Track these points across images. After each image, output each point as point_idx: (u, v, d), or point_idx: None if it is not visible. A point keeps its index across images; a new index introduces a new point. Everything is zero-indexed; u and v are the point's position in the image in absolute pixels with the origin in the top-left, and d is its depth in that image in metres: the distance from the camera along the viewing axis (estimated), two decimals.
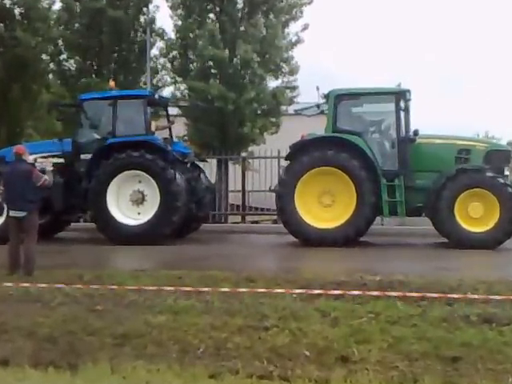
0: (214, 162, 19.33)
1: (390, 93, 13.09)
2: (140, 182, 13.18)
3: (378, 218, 15.10)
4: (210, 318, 5.93)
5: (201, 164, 15.35)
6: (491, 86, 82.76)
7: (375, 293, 6.82)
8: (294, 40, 20.61)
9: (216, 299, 6.64)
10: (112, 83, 14.43)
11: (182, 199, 12.99)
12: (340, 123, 12.98)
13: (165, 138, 14.14)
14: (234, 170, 19.78)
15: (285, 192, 12.73)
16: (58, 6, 21.26)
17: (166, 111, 15.51)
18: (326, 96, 13.44)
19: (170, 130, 15.06)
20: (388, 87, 13.58)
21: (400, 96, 12.87)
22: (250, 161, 19.60)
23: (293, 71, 20.55)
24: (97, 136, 13.82)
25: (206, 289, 7.12)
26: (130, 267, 9.45)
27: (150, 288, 7.20)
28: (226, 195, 19.25)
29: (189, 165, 14.22)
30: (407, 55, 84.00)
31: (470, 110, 79.30)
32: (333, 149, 12.52)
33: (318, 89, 13.70)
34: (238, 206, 20.12)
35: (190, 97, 20.02)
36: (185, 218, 13.36)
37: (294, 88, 20.67)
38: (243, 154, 20.22)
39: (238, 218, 19.42)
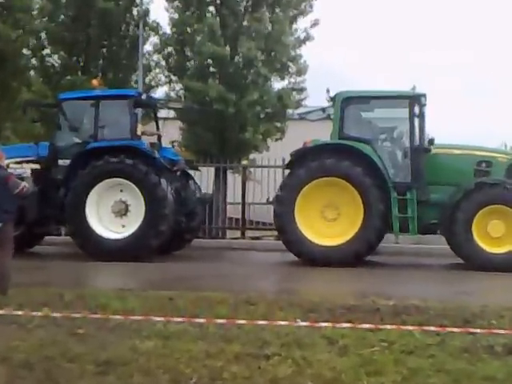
0: (211, 170, 19.36)
1: (404, 97, 13.08)
2: (122, 191, 13.11)
3: (392, 237, 15.11)
4: (205, 344, 5.90)
5: (194, 173, 15.34)
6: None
7: (390, 326, 6.70)
8: (302, 37, 20.66)
9: (211, 324, 6.62)
10: (95, 81, 14.43)
11: (170, 206, 12.90)
12: (347, 129, 12.99)
13: (152, 143, 14.08)
14: (234, 180, 19.77)
15: (284, 198, 12.70)
16: None
17: (155, 114, 15.50)
18: (333, 99, 13.46)
19: (158, 136, 15.01)
20: (402, 90, 13.56)
21: (415, 101, 12.86)
22: (252, 170, 19.61)
23: (301, 71, 20.58)
24: (77, 140, 13.79)
25: (202, 320, 7.08)
26: (114, 286, 9.43)
27: (138, 315, 7.16)
28: (224, 207, 19.27)
29: (179, 173, 14.14)
30: (428, 56, 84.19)
31: (496, 117, 79.27)
32: (338, 157, 12.51)
33: (328, 91, 13.73)
34: (237, 219, 20.11)
35: (185, 98, 20.05)
36: (173, 231, 13.30)
37: (301, 90, 20.70)
38: (244, 163, 20.20)
39: (238, 234, 19.41)
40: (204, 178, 18.10)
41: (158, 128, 15.11)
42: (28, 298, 7.99)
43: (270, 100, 19.84)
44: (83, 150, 13.24)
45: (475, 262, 12.10)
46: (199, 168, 16.81)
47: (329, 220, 12.78)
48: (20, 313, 7.24)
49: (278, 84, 20.84)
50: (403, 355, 5.64)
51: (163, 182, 12.90)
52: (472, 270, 11.87)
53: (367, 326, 6.68)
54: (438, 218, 12.62)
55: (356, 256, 12.41)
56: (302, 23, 20.86)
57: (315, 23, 20.55)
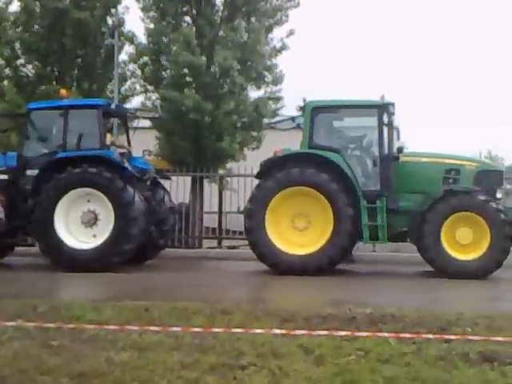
0: (188, 179, 19.31)
1: (373, 106, 13.17)
2: (89, 200, 13.02)
3: (370, 245, 15.20)
4: (180, 355, 5.86)
5: (169, 182, 15.29)
6: (498, 101, 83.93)
7: (365, 333, 6.74)
8: (278, 46, 20.74)
9: (187, 334, 6.58)
10: (63, 91, 14.32)
11: (138, 209, 12.86)
12: (317, 138, 13.07)
13: (122, 153, 14.02)
14: (210, 189, 19.75)
15: (254, 211, 12.72)
16: (15, 5, 21.21)
17: (125, 123, 15.45)
18: (302, 108, 13.53)
19: (128, 142, 14.95)
20: (370, 100, 13.62)
21: (383, 110, 12.96)
22: (228, 179, 19.60)
23: (277, 80, 20.62)
24: (45, 150, 13.67)
25: (177, 329, 7.04)
26: (88, 297, 9.38)
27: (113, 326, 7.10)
28: (200, 217, 19.22)
29: (149, 182, 14.07)
30: (406, 64, 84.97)
31: (473, 127, 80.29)
32: (306, 166, 12.55)
33: (304, 100, 13.80)
34: (213, 229, 20.09)
35: (162, 107, 20.01)
36: (145, 240, 13.27)
37: (277, 99, 20.72)
38: (220, 172, 20.22)
39: (214, 243, 19.38)
40: (180, 188, 18.06)
41: (128, 137, 15.05)
42: (0, 310, 7.90)
43: (247, 109, 19.85)
44: (51, 160, 13.14)
45: (444, 268, 12.25)
46: (171, 177, 16.75)
47: (300, 229, 12.83)
48: None
49: (254, 93, 20.91)
50: (379, 364, 5.64)
51: (129, 186, 12.83)
52: (447, 277, 11.96)
53: (343, 333, 6.70)
54: (408, 225, 12.73)
55: (331, 262, 12.48)
56: (277, 33, 20.99)
57: (291, 33, 20.65)
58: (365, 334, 6.69)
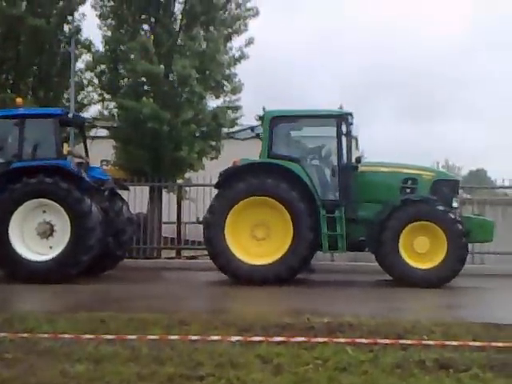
0: (145, 189, 19.20)
1: (331, 116, 13.32)
2: (45, 211, 12.89)
3: (328, 255, 15.30)
4: (137, 366, 5.82)
5: (127, 192, 15.18)
6: (455, 112, 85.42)
7: (322, 339, 6.82)
8: (237, 55, 20.79)
9: (144, 345, 6.54)
10: (19, 100, 14.15)
11: (95, 220, 12.78)
12: (276, 148, 13.15)
13: (79, 163, 13.91)
14: (169, 199, 19.67)
15: (214, 221, 12.73)
16: None
17: (83, 132, 15.34)
18: (261, 118, 13.60)
19: (86, 152, 14.82)
20: (328, 109, 13.82)
21: (341, 119, 13.11)
22: (187, 189, 19.55)
23: (235, 89, 20.66)
24: (0, 159, 13.50)
25: (133, 336, 7.00)
26: (43, 309, 9.25)
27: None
28: (159, 227, 19.11)
29: (106, 193, 13.97)
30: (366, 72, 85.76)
31: (429, 137, 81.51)
32: (264, 176, 12.61)
33: (264, 110, 13.85)
34: (172, 239, 20.01)
35: (119, 116, 19.88)
36: (102, 251, 13.18)
37: (236, 108, 20.75)
38: (179, 181, 20.15)
39: (173, 253, 19.29)
40: (138, 198, 17.95)
41: (85, 147, 14.91)
42: None
43: (205, 118, 19.83)
44: (7, 170, 12.98)
45: (402, 277, 12.41)
46: (129, 187, 16.66)
47: (258, 239, 12.87)
48: None
49: (213, 102, 20.90)
50: (337, 372, 5.69)
51: (86, 197, 12.75)
52: (407, 287, 12.11)
53: (301, 339, 6.75)
54: (367, 234, 12.85)
55: (291, 272, 12.51)
56: (237, 42, 21.03)
57: (250, 42, 20.70)
58: (322, 339, 6.75)
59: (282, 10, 78.43)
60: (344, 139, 13.05)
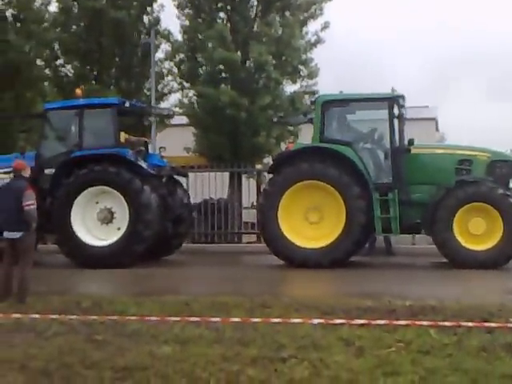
0: (225, 175, 19.37)
1: (383, 99, 13.12)
2: (107, 198, 13.14)
3: (409, 238, 15.13)
4: (221, 348, 5.91)
5: (182, 178, 15.30)
6: None
7: (404, 322, 6.73)
8: (313, 40, 20.66)
9: (228, 328, 6.62)
10: (79, 91, 14.40)
11: (153, 212, 12.94)
12: (328, 132, 13.04)
13: (138, 151, 14.08)
14: (249, 185, 19.77)
15: (267, 207, 12.73)
16: (54, 6, 21.53)
17: (141, 121, 15.49)
18: (313, 102, 13.50)
19: (146, 140, 14.98)
20: (380, 92, 13.61)
21: (393, 102, 12.90)
22: (266, 174, 19.59)
23: (312, 74, 20.57)
24: (62, 149, 13.81)
25: (217, 319, 7.09)
26: (128, 292, 9.51)
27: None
28: (239, 212, 19.25)
29: (165, 179, 14.10)
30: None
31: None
32: (320, 160, 12.52)
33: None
34: (253, 224, 20.10)
35: (198, 104, 20.11)
36: (160, 237, 13.33)
37: (313, 93, 20.60)
38: (258, 167, 20.23)
39: (254, 238, 19.40)
40: (219, 183, 18.13)
41: (144, 135, 15.08)
42: (46, 305, 8.06)
43: (282, 104, 19.84)
44: (67, 159, 13.31)
45: (456, 259, 12.12)
46: (209, 173, 16.80)
47: (311, 222, 12.80)
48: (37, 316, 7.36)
49: (289, 88, 20.86)
50: (420, 355, 5.62)
51: (146, 188, 12.94)
52: (486, 268, 11.79)
53: (382, 321, 6.69)
54: (421, 217, 12.62)
55: (332, 262, 12.36)
56: (312, 26, 20.89)
57: (326, 26, 20.54)
58: (404, 322, 6.68)
59: None
60: (396, 122, 12.86)
